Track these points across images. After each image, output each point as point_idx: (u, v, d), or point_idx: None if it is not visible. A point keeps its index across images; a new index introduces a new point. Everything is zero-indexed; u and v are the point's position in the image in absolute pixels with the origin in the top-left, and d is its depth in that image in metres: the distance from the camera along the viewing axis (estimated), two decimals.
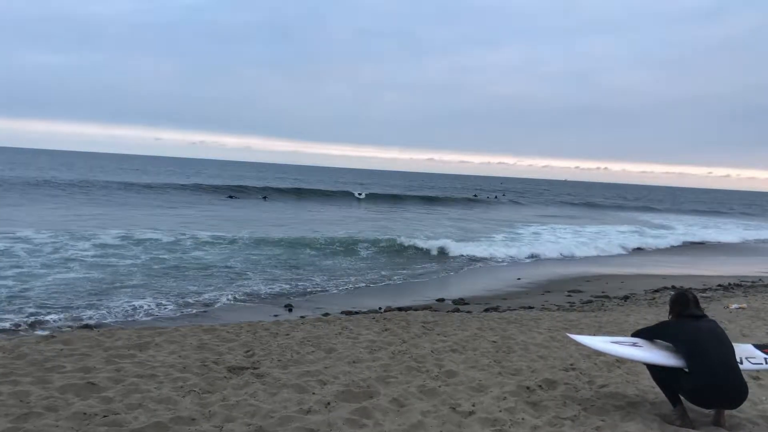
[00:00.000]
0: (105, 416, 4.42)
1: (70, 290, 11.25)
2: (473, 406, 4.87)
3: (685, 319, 4.59)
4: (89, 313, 9.84)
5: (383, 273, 15.61)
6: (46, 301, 10.32)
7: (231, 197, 43.61)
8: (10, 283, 11.35)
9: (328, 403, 4.86)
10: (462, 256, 19.21)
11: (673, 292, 4.99)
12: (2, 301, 10.09)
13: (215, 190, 46.91)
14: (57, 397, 4.84)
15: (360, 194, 53.69)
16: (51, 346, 6.57)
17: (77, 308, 10.04)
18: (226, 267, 14.55)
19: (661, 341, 4.74)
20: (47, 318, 9.31)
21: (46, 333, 7.99)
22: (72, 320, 9.33)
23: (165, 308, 10.53)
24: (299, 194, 49.78)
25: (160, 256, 15.19)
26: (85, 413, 4.45)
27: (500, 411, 4.76)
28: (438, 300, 12.36)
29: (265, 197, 49.00)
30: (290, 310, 10.90)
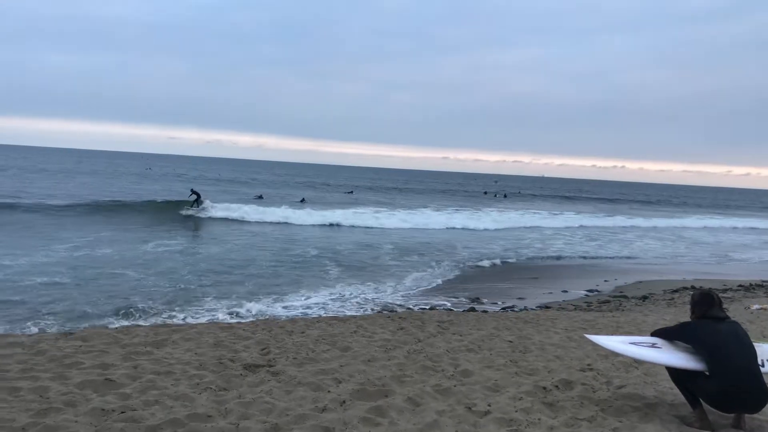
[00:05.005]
0: (122, 412, 4.46)
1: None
2: (489, 405, 4.84)
3: (707, 321, 4.49)
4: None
5: None
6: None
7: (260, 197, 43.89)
8: None
9: (344, 402, 4.85)
10: None
11: (694, 292, 4.89)
12: None
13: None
14: (76, 393, 4.89)
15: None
16: (70, 343, 6.65)
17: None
18: None
19: (680, 342, 4.66)
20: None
21: (65, 330, 8.09)
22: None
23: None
24: None
25: None
26: (103, 409, 4.50)
27: (516, 411, 4.72)
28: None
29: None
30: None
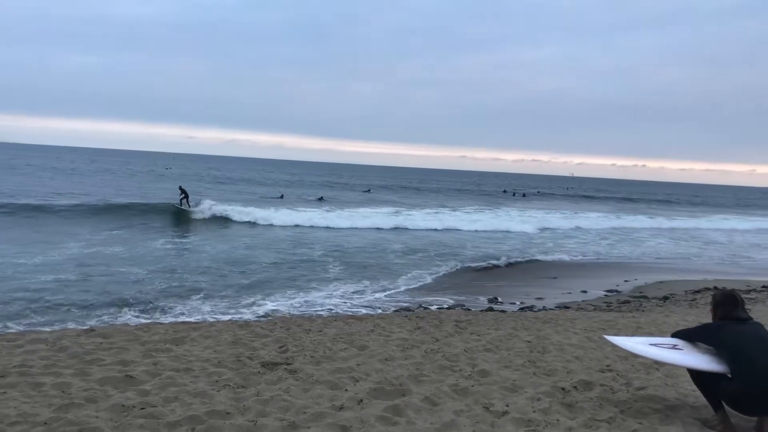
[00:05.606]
0: (142, 408, 4.51)
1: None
2: (507, 406, 4.81)
3: (730, 322, 4.41)
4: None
5: None
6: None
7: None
8: None
9: (361, 400, 4.86)
10: None
11: (716, 293, 4.81)
12: None
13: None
14: (96, 389, 4.96)
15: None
16: (91, 339, 6.75)
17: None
18: None
19: (702, 344, 4.59)
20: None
21: (86, 327, 8.21)
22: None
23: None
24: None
25: None
26: (123, 405, 4.55)
27: (534, 412, 4.69)
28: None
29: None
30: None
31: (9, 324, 8.80)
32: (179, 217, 26.65)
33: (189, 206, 28.28)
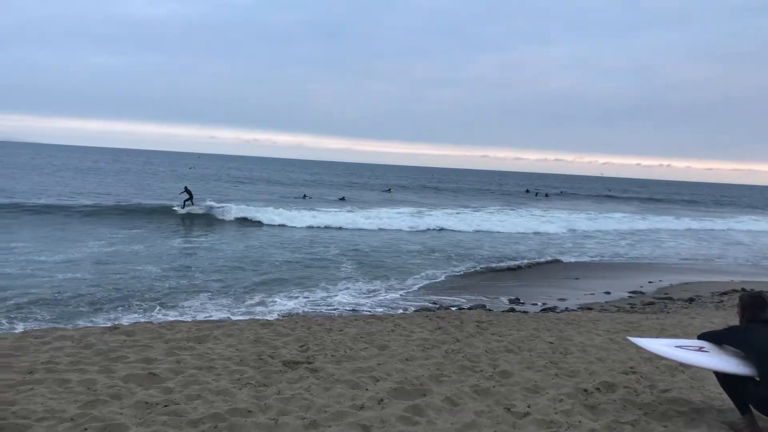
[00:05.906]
0: (166, 406, 4.56)
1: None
2: (528, 407, 4.77)
3: (757, 325, 4.33)
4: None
5: None
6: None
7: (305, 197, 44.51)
8: None
9: (381, 400, 4.86)
10: None
11: (743, 294, 4.71)
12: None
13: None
14: (121, 386, 5.03)
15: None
16: (115, 337, 6.85)
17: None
18: None
19: (729, 347, 4.50)
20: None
21: (110, 324, 8.33)
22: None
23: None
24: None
25: None
26: (147, 402, 4.61)
27: (556, 413, 4.64)
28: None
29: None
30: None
31: (32, 320, 8.99)
32: (198, 218, 26.83)
33: (193, 205, 28.37)
